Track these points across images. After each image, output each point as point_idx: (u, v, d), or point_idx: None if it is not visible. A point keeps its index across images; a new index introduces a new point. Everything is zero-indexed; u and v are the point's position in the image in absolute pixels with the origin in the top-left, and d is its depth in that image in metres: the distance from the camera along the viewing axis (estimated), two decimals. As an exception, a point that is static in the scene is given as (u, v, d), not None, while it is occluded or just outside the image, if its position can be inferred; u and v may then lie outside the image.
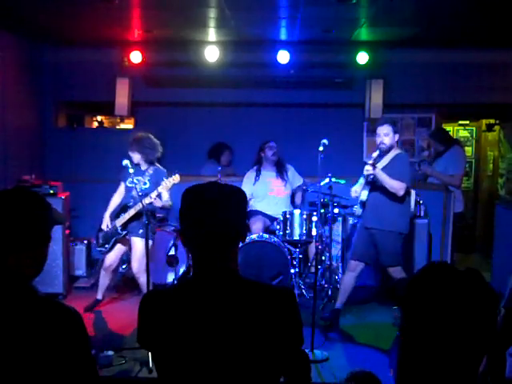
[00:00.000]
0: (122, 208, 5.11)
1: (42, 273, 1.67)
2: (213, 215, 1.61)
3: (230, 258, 1.67)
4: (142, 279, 4.92)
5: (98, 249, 5.23)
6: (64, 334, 1.50)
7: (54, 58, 7.01)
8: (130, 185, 4.97)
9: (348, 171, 5.73)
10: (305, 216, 5.46)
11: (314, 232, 5.38)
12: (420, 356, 1.37)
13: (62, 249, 5.53)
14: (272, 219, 5.88)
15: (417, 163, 6.43)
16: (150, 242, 4.90)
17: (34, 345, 1.47)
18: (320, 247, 5.47)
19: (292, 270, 5.45)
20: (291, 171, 6.14)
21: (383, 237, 4.67)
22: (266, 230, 5.83)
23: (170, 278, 5.81)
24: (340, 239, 6.14)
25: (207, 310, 1.59)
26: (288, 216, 5.49)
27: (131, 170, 4.68)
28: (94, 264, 6.30)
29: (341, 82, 6.97)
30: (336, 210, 5.83)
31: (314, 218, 5.36)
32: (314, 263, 5.03)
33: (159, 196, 4.81)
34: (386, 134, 4.70)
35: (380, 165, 4.69)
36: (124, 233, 5.06)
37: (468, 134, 9.05)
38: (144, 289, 4.99)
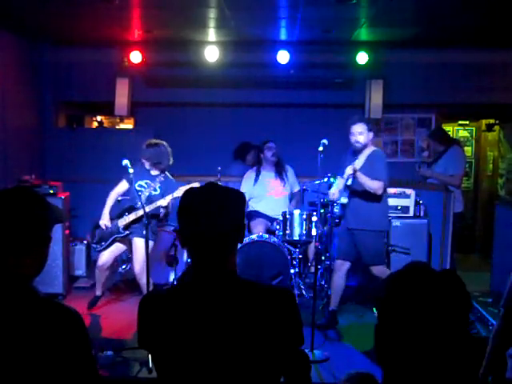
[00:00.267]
0: (127, 209, 5.09)
1: (42, 273, 1.67)
2: (211, 216, 1.61)
3: (229, 258, 1.66)
4: (144, 280, 4.93)
5: (93, 245, 5.19)
6: (64, 334, 1.50)
7: (54, 58, 7.01)
8: (138, 188, 4.97)
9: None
10: (305, 216, 5.46)
11: (313, 232, 5.38)
12: (394, 354, 1.40)
13: (62, 249, 5.53)
14: (272, 220, 5.89)
15: (417, 164, 6.43)
16: (151, 243, 4.92)
17: (35, 346, 1.47)
18: (320, 247, 5.47)
19: (292, 270, 5.45)
20: (291, 173, 6.14)
21: (365, 236, 4.74)
22: (267, 230, 5.84)
23: (170, 277, 5.80)
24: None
25: (206, 311, 1.59)
26: (288, 216, 5.49)
27: (131, 170, 4.69)
28: (93, 264, 6.30)
29: (341, 82, 6.98)
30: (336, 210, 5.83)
31: (314, 218, 5.36)
32: (313, 263, 5.03)
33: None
34: (360, 133, 4.76)
35: (357, 164, 4.72)
36: (126, 233, 5.05)
37: (468, 134, 9.05)
38: (145, 290, 4.99)
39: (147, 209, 4.75)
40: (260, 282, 1.72)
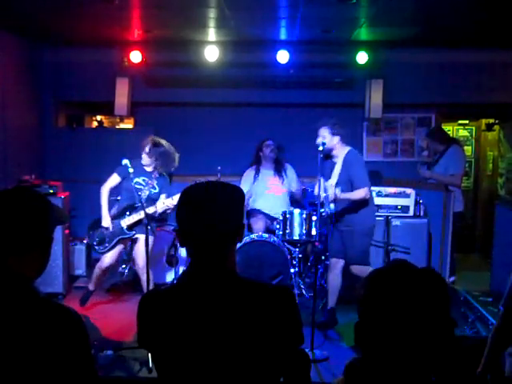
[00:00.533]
0: (127, 208, 5.04)
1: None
2: (210, 214, 1.61)
3: (228, 257, 1.66)
4: (146, 277, 4.92)
5: (96, 247, 5.06)
6: (64, 335, 1.50)
7: (54, 58, 7.02)
8: (137, 186, 4.94)
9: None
10: (305, 216, 5.46)
11: (313, 232, 5.38)
12: (376, 351, 1.41)
13: (62, 249, 5.53)
14: (272, 219, 5.89)
15: (418, 164, 6.44)
16: (151, 241, 4.91)
17: (34, 346, 1.47)
18: (320, 247, 5.47)
19: (292, 270, 5.45)
20: (290, 171, 6.15)
21: (350, 235, 4.76)
22: (266, 229, 5.84)
23: (170, 277, 5.81)
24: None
25: (206, 310, 1.59)
26: (288, 216, 5.50)
27: (131, 170, 4.68)
28: (94, 264, 6.30)
29: (341, 81, 6.98)
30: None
31: (314, 218, 5.36)
32: (313, 263, 5.04)
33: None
34: (323, 137, 4.76)
35: (334, 173, 4.73)
36: (132, 233, 5.01)
37: (468, 134, 9.05)
38: (145, 286, 4.99)
39: (152, 209, 4.76)
40: (260, 281, 1.72)
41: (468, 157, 8.45)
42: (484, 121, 8.51)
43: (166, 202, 4.88)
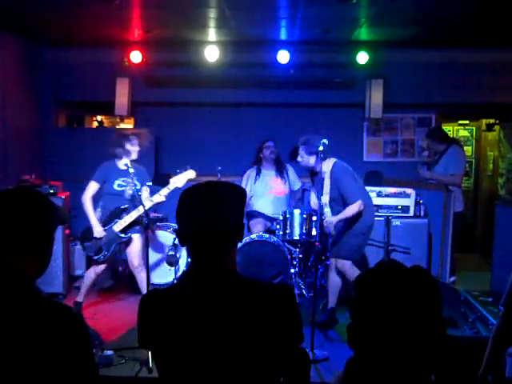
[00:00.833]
0: (117, 212, 4.94)
1: (42, 273, 1.67)
2: (210, 214, 1.61)
3: (228, 256, 1.66)
4: (142, 274, 4.92)
5: (95, 258, 4.95)
6: (65, 334, 1.50)
7: (54, 58, 7.01)
8: (119, 188, 4.91)
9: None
10: (305, 216, 5.46)
11: (314, 232, 5.37)
12: (368, 351, 1.42)
13: (62, 249, 5.54)
14: (271, 219, 5.89)
15: (418, 164, 6.44)
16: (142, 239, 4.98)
17: (36, 345, 1.47)
18: (320, 247, 5.47)
19: (292, 270, 5.45)
20: (291, 172, 6.15)
21: (345, 232, 4.79)
22: (267, 230, 5.84)
23: (170, 278, 5.80)
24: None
25: (206, 309, 1.59)
26: (288, 216, 5.49)
27: (131, 170, 4.67)
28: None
29: (341, 82, 6.98)
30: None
31: (314, 218, 5.36)
32: (313, 263, 5.04)
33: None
34: (301, 157, 4.75)
35: (325, 190, 4.70)
36: (128, 235, 4.97)
37: (468, 134, 9.05)
38: (142, 285, 4.99)
39: (142, 209, 4.72)
40: (260, 280, 1.72)
41: (468, 157, 8.45)
42: (484, 121, 8.50)
43: (155, 199, 4.83)
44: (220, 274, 1.64)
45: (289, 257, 5.38)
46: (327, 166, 4.70)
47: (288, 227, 5.47)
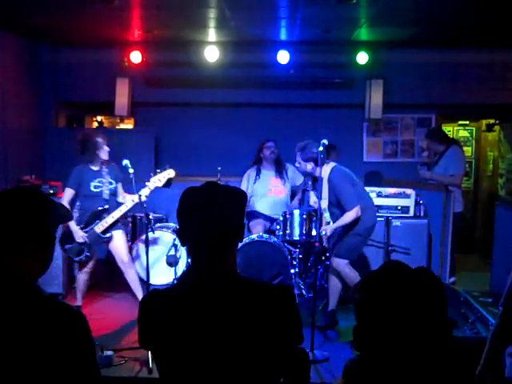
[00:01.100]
0: (97, 213, 4.91)
1: (42, 273, 1.67)
2: (210, 214, 1.61)
3: (229, 257, 1.67)
4: (132, 271, 4.95)
5: (77, 259, 4.96)
6: (67, 333, 1.50)
7: (54, 59, 7.01)
8: (95, 189, 4.90)
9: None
10: (305, 216, 5.46)
11: (313, 232, 5.37)
12: (374, 353, 1.41)
13: (62, 249, 5.52)
14: (271, 220, 5.89)
15: (418, 165, 6.44)
16: (123, 234, 5.04)
17: (38, 344, 1.47)
18: (320, 247, 5.47)
19: (292, 270, 5.45)
20: (291, 170, 6.15)
21: (345, 231, 4.78)
22: (267, 230, 5.85)
23: (170, 278, 5.79)
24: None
25: (206, 310, 1.60)
26: (288, 216, 5.49)
27: (131, 170, 4.67)
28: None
29: (341, 82, 6.97)
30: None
31: (314, 218, 5.36)
32: (313, 263, 5.04)
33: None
34: (299, 163, 4.74)
35: (323, 195, 4.69)
36: (110, 234, 4.94)
37: (468, 134, 9.06)
38: (133, 285, 5.00)
39: (124, 209, 4.78)
40: (260, 281, 1.72)
41: (468, 157, 8.45)
42: (484, 121, 8.51)
43: (129, 203, 4.84)
44: (220, 274, 1.64)
45: (289, 257, 5.38)
46: (325, 171, 4.69)
47: (288, 228, 5.46)
